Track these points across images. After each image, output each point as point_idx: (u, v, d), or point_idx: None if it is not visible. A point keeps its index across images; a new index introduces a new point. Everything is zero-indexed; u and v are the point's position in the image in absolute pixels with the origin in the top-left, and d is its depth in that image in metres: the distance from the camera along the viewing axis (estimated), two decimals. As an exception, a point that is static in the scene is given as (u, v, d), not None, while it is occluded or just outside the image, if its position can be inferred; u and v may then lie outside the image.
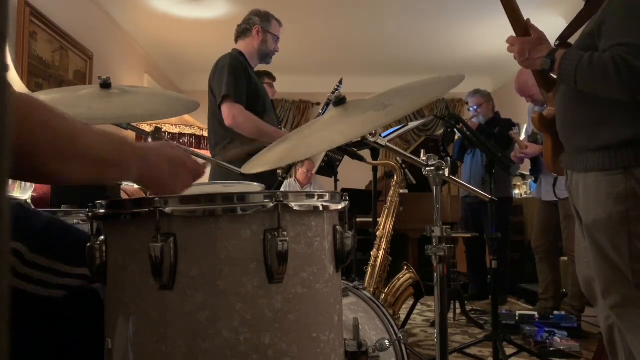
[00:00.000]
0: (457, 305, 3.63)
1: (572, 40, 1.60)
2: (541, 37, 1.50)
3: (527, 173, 4.59)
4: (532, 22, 1.54)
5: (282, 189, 2.38)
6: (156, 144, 0.90)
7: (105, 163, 0.78)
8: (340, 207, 0.86)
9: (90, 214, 0.83)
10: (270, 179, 2.25)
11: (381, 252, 2.03)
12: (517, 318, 3.13)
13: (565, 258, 3.46)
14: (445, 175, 1.24)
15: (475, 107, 4.15)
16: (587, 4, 1.56)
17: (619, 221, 1.37)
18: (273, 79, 3.94)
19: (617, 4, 1.37)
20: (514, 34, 1.54)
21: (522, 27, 1.52)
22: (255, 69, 2.73)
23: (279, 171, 2.16)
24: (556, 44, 1.58)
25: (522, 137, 3.83)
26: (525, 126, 3.72)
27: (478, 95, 4.19)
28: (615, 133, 1.39)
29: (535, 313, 3.20)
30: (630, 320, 1.40)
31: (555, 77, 1.52)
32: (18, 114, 0.66)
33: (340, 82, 2.47)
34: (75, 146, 0.73)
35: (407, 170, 2.17)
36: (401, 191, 2.18)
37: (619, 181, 1.37)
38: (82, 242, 0.83)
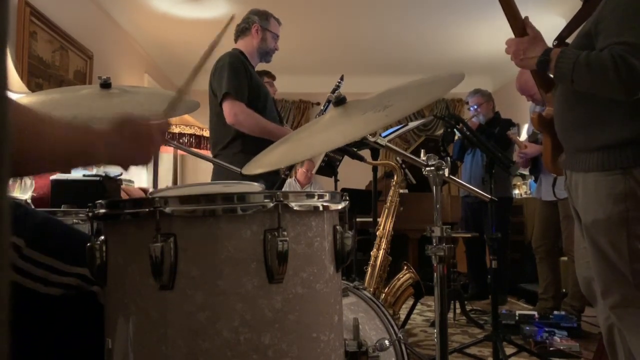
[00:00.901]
0: (457, 305, 3.63)
1: (570, 40, 1.60)
2: (536, 37, 1.49)
3: (527, 173, 4.59)
4: (532, 21, 1.53)
5: (283, 188, 2.38)
6: (116, 121, 0.91)
7: (70, 152, 0.81)
8: (340, 207, 0.86)
9: (90, 214, 0.83)
10: (272, 178, 2.25)
11: (381, 252, 2.03)
12: (517, 318, 3.12)
13: (565, 258, 3.45)
14: (445, 175, 1.24)
15: (475, 107, 4.15)
16: (585, 4, 1.56)
17: (618, 221, 1.37)
18: (273, 77, 3.94)
19: (615, 2, 1.37)
20: (512, 31, 1.54)
21: (520, 26, 1.51)
22: (256, 68, 2.74)
23: (282, 168, 2.15)
24: (554, 43, 1.57)
25: (523, 137, 3.82)
26: (526, 126, 3.71)
27: (478, 95, 4.19)
28: (614, 133, 1.39)
29: (535, 313, 3.19)
30: (630, 320, 1.40)
31: (551, 76, 1.52)
32: None
33: (342, 79, 2.46)
34: (42, 143, 0.76)
35: (407, 170, 2.17)
36: (401, 191, 2.18)
37: (618, 181, 1.37)
38: (79, 241, 0.84)
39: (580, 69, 1.35)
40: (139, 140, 0.91)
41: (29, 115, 0.76)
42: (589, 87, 1.38)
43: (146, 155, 0.93)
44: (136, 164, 0.91)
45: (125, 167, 0.92)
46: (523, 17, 1.53)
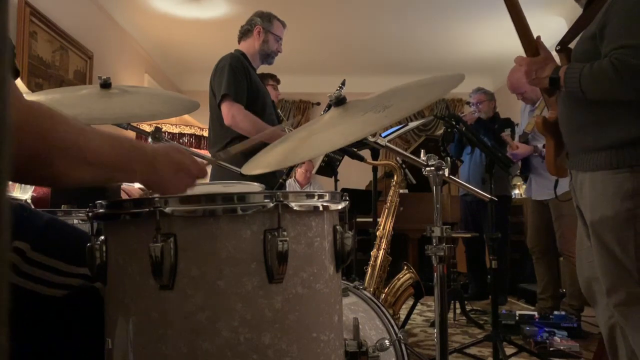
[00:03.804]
0: (457, 305, 3.63)
1: (572, 45, 1.61)
2: (547, 57, 1.54)
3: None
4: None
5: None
6: (164, 147, 0.91)
7: (113, 167, 0.80)
8: (340, 207, 0.86)
9: (90, 214, 0.83)
10: (271, 180, 2.25)
11: (381, 252, 2.03)
12: (517, 318, 3.13)
13: (562, 257, 3.45)
14: (445, 175, 1.24)
15: (476, 104, 4.16)
16: (585, 10, 1.57)
17: (625, 219, 1.38)
18: (277, 81, 3.94)
19: (618, 7, 1.38)
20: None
21: (532, 46, 1.54)
22: (259, 71, 2.74)
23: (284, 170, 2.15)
24: (557, 49, 1.59)
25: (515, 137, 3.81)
26: (518, 126, 3.72)
27: (480, 93, 4.20)
28: (621, 133, 1.40)
29: (535, 313, 3.20)
30: (634, 318, 1.40)
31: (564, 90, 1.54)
32: (26, 121, 0.67)
33: (343, 84, 2.46)
34: (84, 151, 0.75)
35: (407, 170, 2.17)
36: (401, 191, 2.18)
37: (626, 179, 1.38)
38: (83, 242, 0.84)
39: (586, 82, 1.40)
40: (177, 170, 0.90)
41: (77, 127, 0.75)
42: (599, 96, 1.43)
43: (179, 186, 0.92)
44: (167, 192, 0.89)
45: (157, 191, 0.91)
46: (535, 35, 1.55)
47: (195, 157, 0.98)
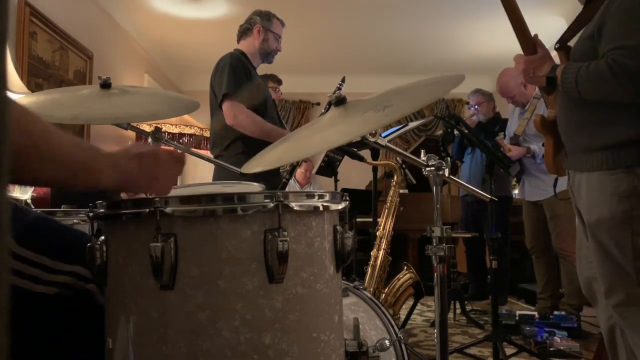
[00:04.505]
0: (457, 305, 3.63)
1: (572, 43, 1.61)
2: (545, 56, 1.53)
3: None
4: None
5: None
6: (124, 147, 0.89)
7: (77, 166, 0.78)
8: (340, 207, 0.86)
9: (90, 214, 0.83)
10: (272, 181, 2.25)
11: (381, 252, 2.04)
12: (517, 318, 3.13)
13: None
14: (445, 175, 1.24)
15: (475, 106, 4.16)
16: (585, 7, 1.57)
17: (622, 220, 1.37)
18: (279, 82, 3.91)
19: (616, 7, 1.38)
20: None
21: (530, 44, 1.54)
22: (262, 72, 2.73)
23: (285, 173, 2.15)
24: (556, 47, 1.59)
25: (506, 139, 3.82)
26: (507, 128, 3.73)
27: (479, 94, 4.20)
28: (618, 133, 1.39)
29: (535, 313, 3.20)
30: (633, 319, 1.40)
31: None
32: None
33: (343, 81, 2.46)
34: (48, 146, 0.74)
35: (407, 170, 2.17)
36: (401, 191, 2.18)
37: (622, 180, 1.37)
38: (73, 239, 0.83)
39: (582, 82, 1.39)
40: (146, 166, 0.87)
41: (40, 124, 0.74)
42: (596, 96, 1.42)
43: (159, 183, 0.88)
44: (147, 190, 0.86)
45: (136, 192, 0.89)
46: (532, 33, 1.55)
47: (164, 147, 0.96)
